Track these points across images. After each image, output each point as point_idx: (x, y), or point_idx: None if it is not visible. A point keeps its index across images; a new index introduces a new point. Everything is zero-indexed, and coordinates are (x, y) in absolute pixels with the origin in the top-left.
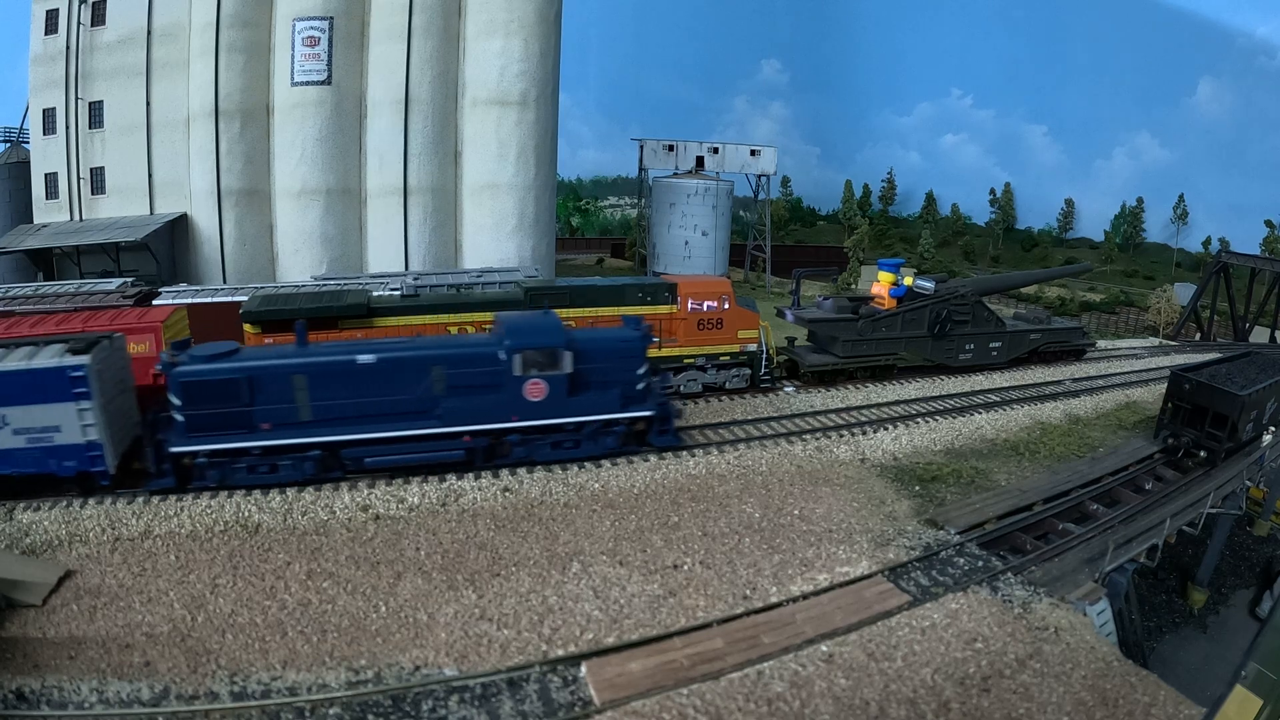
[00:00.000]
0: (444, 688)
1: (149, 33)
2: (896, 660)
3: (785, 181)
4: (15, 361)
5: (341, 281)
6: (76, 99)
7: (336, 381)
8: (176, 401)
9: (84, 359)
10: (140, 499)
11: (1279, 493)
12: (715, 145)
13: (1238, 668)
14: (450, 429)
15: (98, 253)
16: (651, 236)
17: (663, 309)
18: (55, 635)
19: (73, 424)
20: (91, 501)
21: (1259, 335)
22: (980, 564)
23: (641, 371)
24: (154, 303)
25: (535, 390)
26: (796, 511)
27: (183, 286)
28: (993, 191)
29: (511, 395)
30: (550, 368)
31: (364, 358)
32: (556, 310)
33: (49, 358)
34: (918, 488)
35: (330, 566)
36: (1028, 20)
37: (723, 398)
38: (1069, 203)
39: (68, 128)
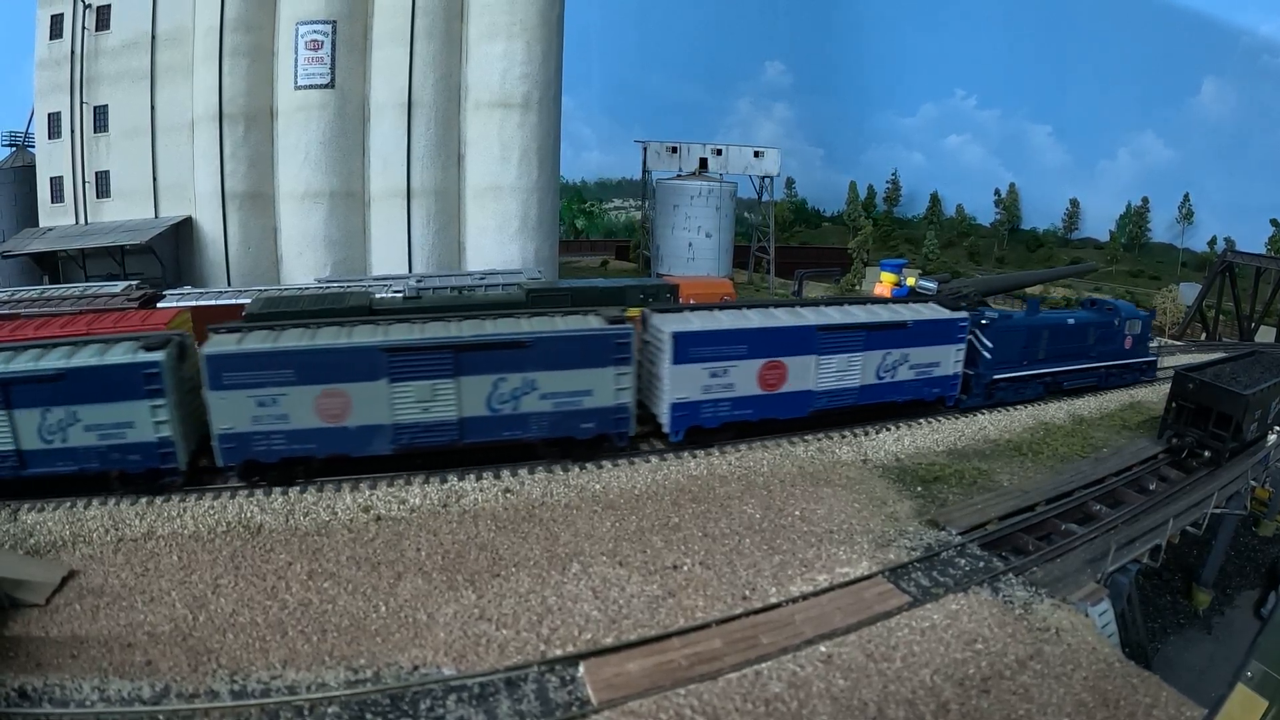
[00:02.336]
0: (442, 687)
1: (153, 37)
2: (895, 661)
3: (789, 183)
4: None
5: (345, 284)
6: (81, 103)
7: (1057, 335)
8: (989, 344)
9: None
10: (143, 500)
11: None
12: (719, 147)
13: (1239, 667)
14: (1096, 365)
15: (103, 256)
16: (655, 238)
17: None
18: (58, 634)
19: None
20: (95, 502)
21: (1264, 335)
22: (981, 565)
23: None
24: (158, 305)
25: (1127, 343)
26: (797, 512)
27: (187, 289)
28: (997, 192)
29: (1118, 346)
30: (1130, 331)
31: (1070, 320)
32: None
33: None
34: (920, 488)
35: (331, 567)
36: (1031, 20)
37: None
38: (1074, 203)
39: (73, 132)
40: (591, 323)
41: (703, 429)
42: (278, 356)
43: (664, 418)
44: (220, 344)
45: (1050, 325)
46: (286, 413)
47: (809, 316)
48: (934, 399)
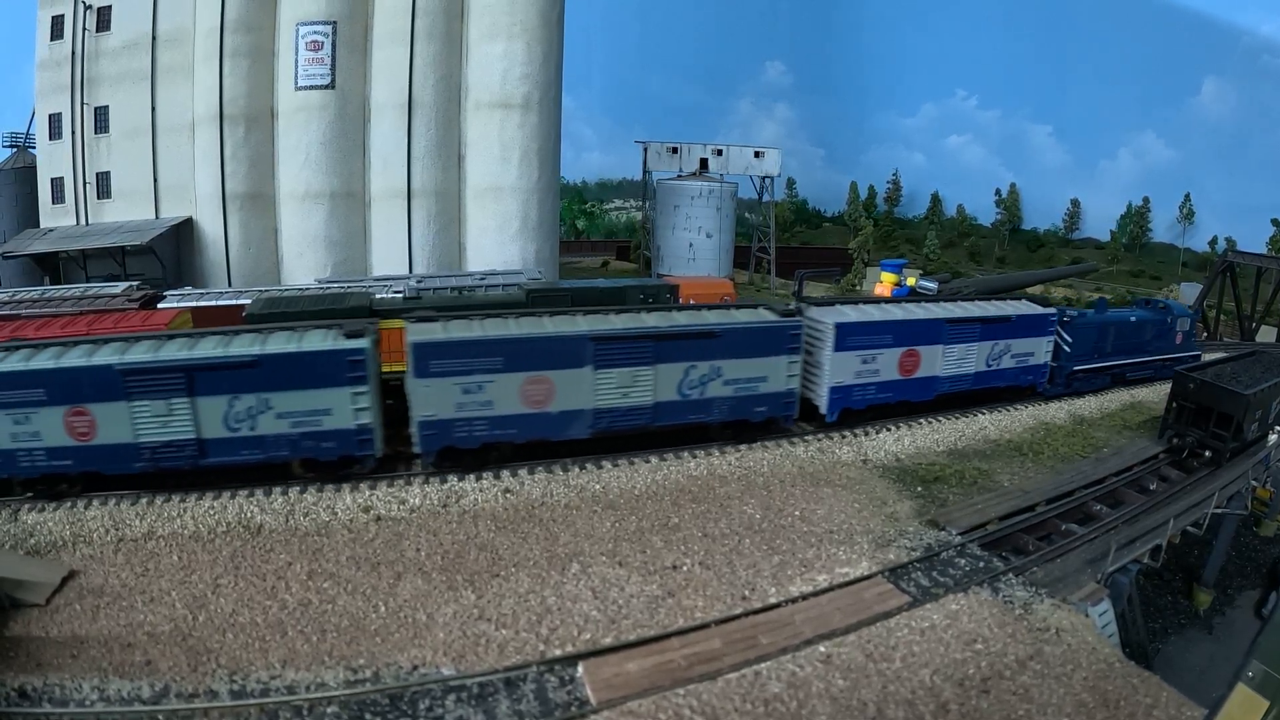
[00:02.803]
0: (441, 687)
1: (154, 38)
2: (895, 661)
3: (790, 183)
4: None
5: (346, 284)
6: (82, 104)
7: (1122, 332)
8: (1069, 339)
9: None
10: (144, 500)
11: None
12: (719, 147)
13: (1239, 667)
14: (1153, 358)
15: (103, 256)
16: (656, 239)
17: None
18: (58, 634)
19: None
20: (96, 502)
21: (1265, 334)
22: (981, 565)
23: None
24: (159, 306)
25: (1177, 339)
26: (797, 512)
27: (188, 290)
28: (998, 192)
29: (1171, 341)
30: (1180, 328)
31: (1132, 318)
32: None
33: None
34: (920, 489)
35: (331, 567)
36: (1031, 20)
37: None
38: (1074, 203)
39: (73, 133)
40: (767, 315)
41: (852, 410)
42: (488, 344)
43: (822, 401)
44: (427, 332)
45: (1116, 323)
46: (491, 399)
47: (937, 310)
48: (1027, 385)
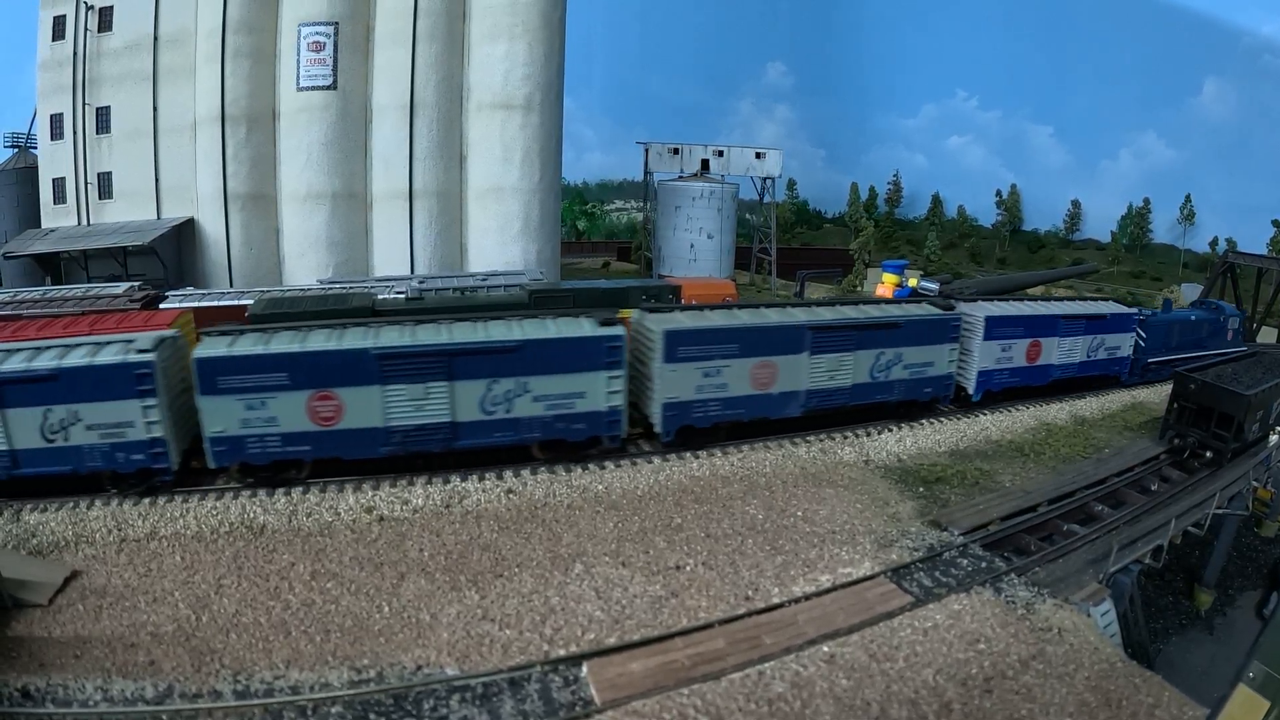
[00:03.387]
0: (445, 687)
1: (155, 39)
2: (898, 661)
3: (790, 184)
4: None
5: (347, 285)
6: (84, 104)
7: (1184, 329)
8: (1144, 334)
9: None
10: (146, 501)
11: None
12: (720, 148)
13: (1240, 667)
14: (1208, 353)
15: (105, 257)
16: (657, 240)
17: None
18: (61, 635)
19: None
20: (98, 503)
21: (1266, 335)
22: (983, 565)
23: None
24: (160, 306)
25: (1229, 335)
26: (800, 513)
27: (189, 290)
28: (999, 193)
29: (1223, 338)
30: (1231, 326)
31: (1192, 316)
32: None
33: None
34: (922, 489)
35: (334, 567)
36: (1032, 21)
37: None
38: (1075, 204)
39: (75, 133)
40: (933, 310)
41: (991, 392)
42: (729, 333)
43: (971, 383)
44: (674, 321)
45: (1180, 321)
46: (726, 382)
47: (1056, 308)
48: (1114, 375)
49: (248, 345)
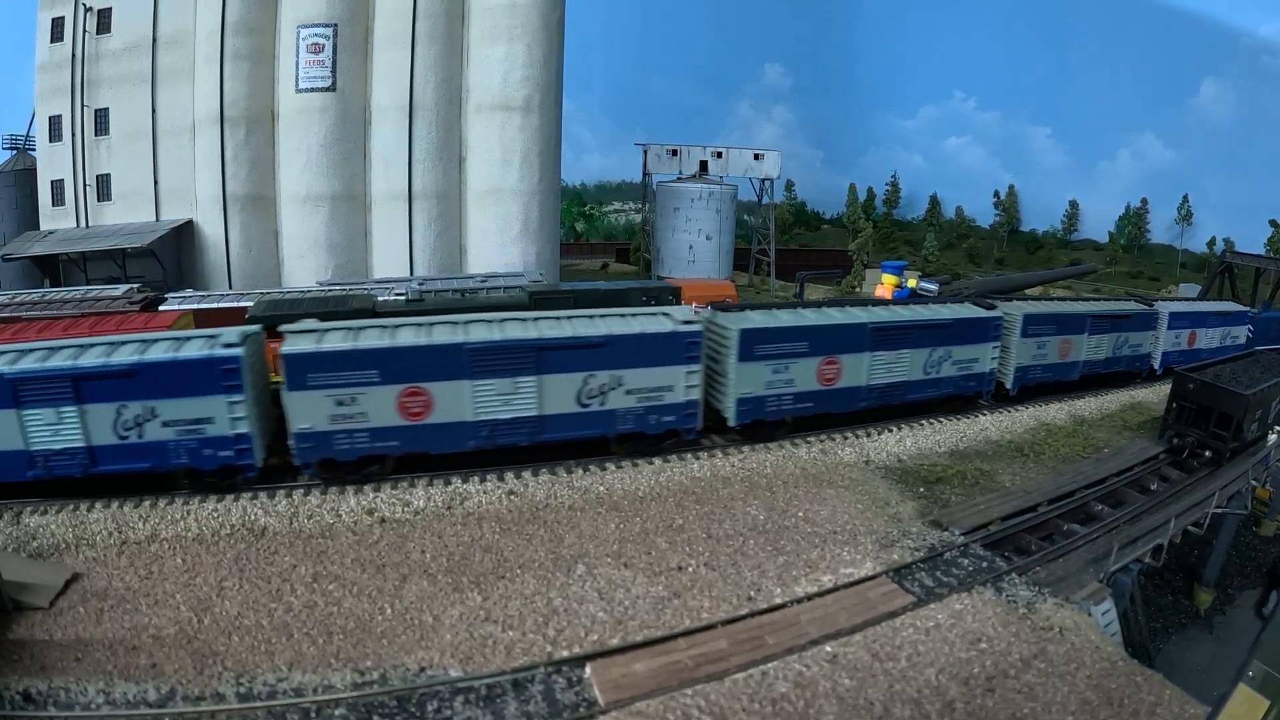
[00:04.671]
0: (449, 689)
1: (154, 40)
2: (901, 660)
3: (789, 185)
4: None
5: (347, 287)
6: (82, 106)
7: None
8: (1252, 330)
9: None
10: (146, 502)
11: None
12: (719, 149)
13: (1241, 666)
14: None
15: (104, 259)
16: (656, 241)
17: None
18: (62, 637)
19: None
20: (99, 505)
21: None
22: (985, 565)
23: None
24: (160, 308)
25: None
26: (801, 513)
27: (188, 292)
28: (997, 194)
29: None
30: None
31: (1264, 316)
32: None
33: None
34: (922, 489)
35: (336, 569)
36: (1030, 22)
37: None
38: (1073, 204)
39: (74, 135)
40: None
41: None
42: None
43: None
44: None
45: (1276, 319)
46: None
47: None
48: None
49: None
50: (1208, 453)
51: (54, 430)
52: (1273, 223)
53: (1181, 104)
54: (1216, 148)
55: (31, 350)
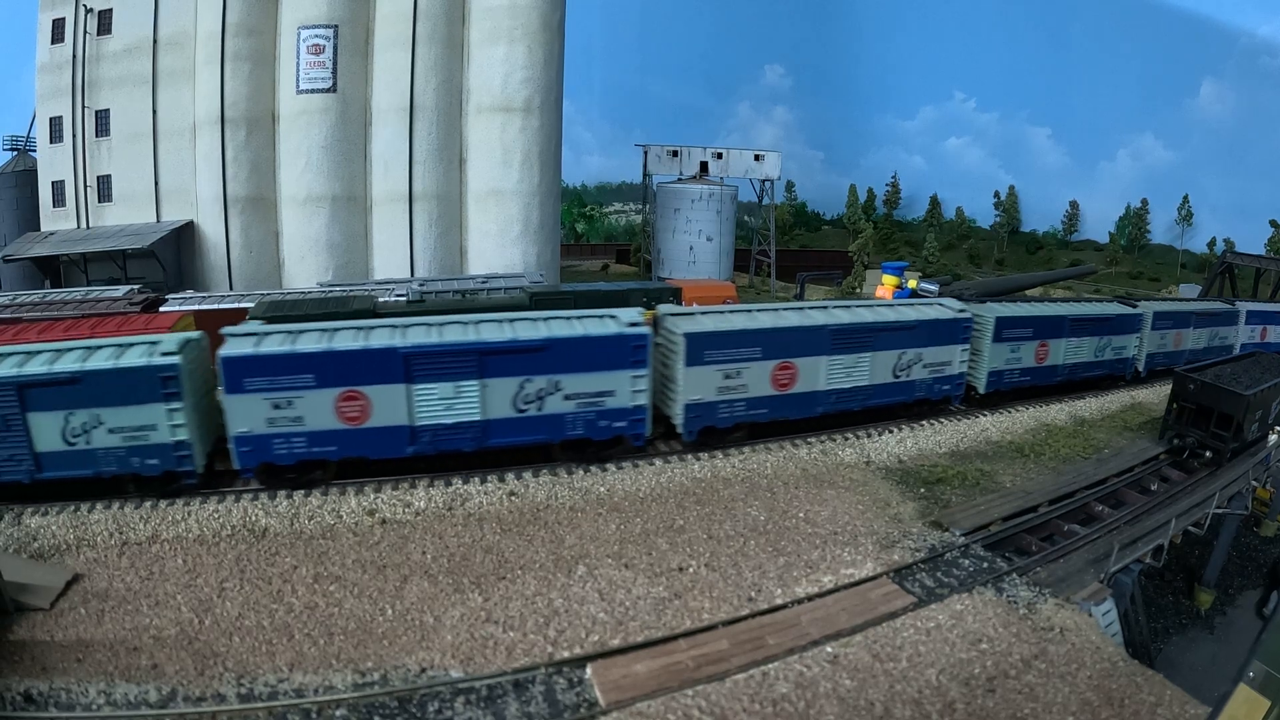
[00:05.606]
0: (450, 689)
1: (155, 42)
2: (901, 661)
3: (789, 186)
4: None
5: (347, 288)
6: (83, 107)
7: None
8: None
9: None
10: (147, 504)
11: None
12: (719, 150)
13: (1242, 666)
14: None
15: (104, 260)
16: (656, 242)
17: None
18: (63, 638)
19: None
20: (99, 506)
21: None
22: (985, 565)
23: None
24: (160, 309)
25: None
26: (801, 514)
27: (189, 293)
28: (997, 194)
29: None
30: None
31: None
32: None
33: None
34: (923, 490)
35: (337, 570)
36: (1030, 23)
37: None
38: (1073, 205)
39: (74, 136)
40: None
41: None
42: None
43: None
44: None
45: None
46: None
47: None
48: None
49: (275, 345)
50: (1208, 453)
51: None
52: (1273, 223)
53: (1181, 104)
54: (1216, 148)
55: None
